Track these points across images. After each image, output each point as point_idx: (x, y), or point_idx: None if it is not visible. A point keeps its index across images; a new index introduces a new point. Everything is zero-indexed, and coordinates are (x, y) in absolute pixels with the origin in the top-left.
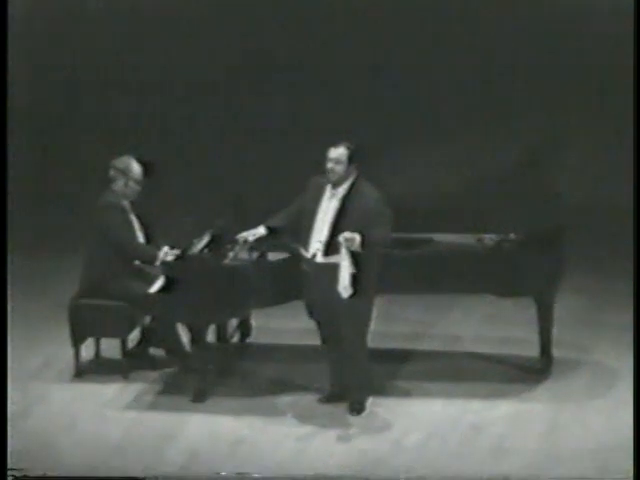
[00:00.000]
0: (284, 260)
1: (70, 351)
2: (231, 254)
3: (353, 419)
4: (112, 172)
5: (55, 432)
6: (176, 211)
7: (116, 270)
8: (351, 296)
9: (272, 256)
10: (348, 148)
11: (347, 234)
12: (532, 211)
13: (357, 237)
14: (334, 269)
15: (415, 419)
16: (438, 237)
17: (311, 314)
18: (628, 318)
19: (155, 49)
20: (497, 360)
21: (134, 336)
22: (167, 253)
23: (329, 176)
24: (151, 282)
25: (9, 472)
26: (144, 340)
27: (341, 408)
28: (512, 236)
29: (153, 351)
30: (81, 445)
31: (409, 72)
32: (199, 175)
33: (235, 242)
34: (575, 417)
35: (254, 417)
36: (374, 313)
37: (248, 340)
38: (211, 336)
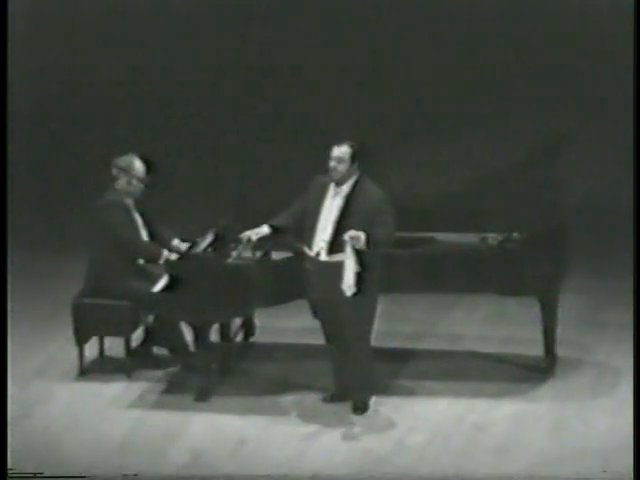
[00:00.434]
0: (287, 259)
1: (74, 350)
2: (234, 253)
3: (357, 418)
4: (115, 171)
5: (59, 431)
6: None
7: (120, 269)
8: (355, 295)
9: (275, 255)
10: (351, 147)
11: (352, 232)
12: (535, 210)
13: (362, 236)
14: (338, 267)
15: (418, 418)
16: (441, 236)
17: (315, 314)
18: (629, 317)
19: (155, 49)
20: (500, 359)
21: (138, 335)
22: (172, 250)
23: (332, 175)
24: (155, 281)
25: (9, 472)
26: (148, 339)
27: (345, 407)
28: (515, 235)
29: (157, 350)
30: (85, 444)
31: (409, 72)
32: (202, 174)
33: (238, 241)
34: (579, 416)
35: (258, 416)
36: (377, 312)
37: (252, 339)
38: (214, 335)
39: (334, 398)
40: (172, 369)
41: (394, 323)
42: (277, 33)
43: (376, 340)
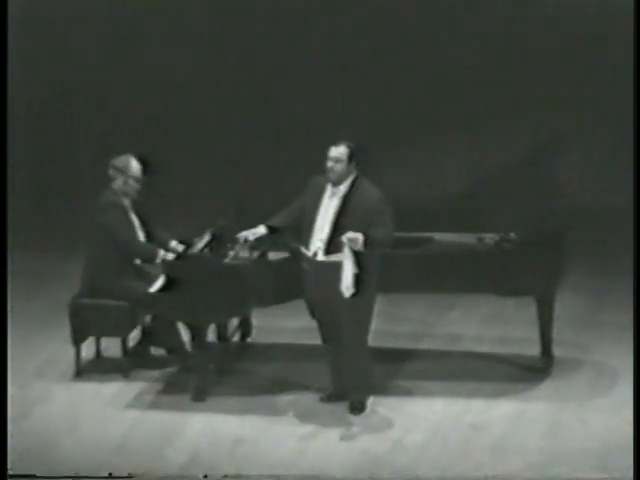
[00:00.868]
0: (284, 259)
1: (71, 350)
2: (231, 253)
3: (354, 418)
4: (111, 171)
5: (56, 432)
6: (177, 210)
7: (117, 269)
8: (353, 296)
9: (272, 255)
10: (348, 147)
11: (350, 234)
12: (532, 211)
13: (360, 237)
14: (335, 267)
15: (416, 418)
16: (439, 237)
17: (313, 314)
18: (628, 317)
19: (155, 49)
20: (498, 359)
21: (135, 335)
22: (168, 250)
23: (329, 175)
24: (152, 281)
25: (9, 472)
26: (145, 339)
27: (342, 407)
28: (512, 235)
29: (154, 350)
30: (82, 445)
31: (406, 73)
32: (199, 175)
33: (235, 241)
34: (576, 416)
35: (255, 416)
36: (375, 312)
37: (249, 339)
38: (212, 335)
39: (331, 398)
40: (169, 369)
41: (392, 323)
42: (276, 33)
43: (374, 340)
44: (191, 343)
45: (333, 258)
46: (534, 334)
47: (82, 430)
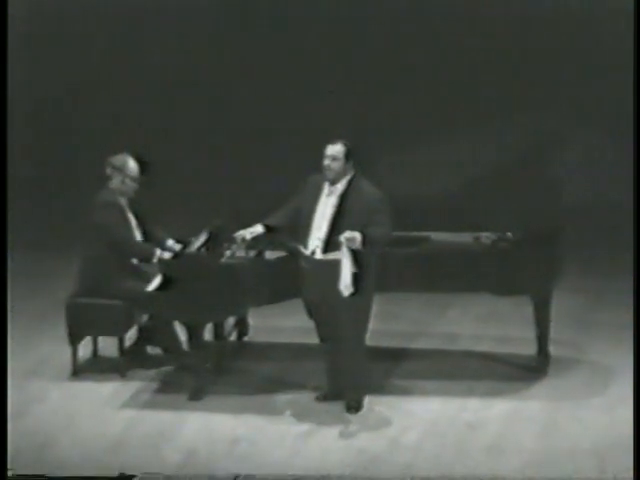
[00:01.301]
0: (281, 258)
1: (67, 350)
2: (228, 252)
3: (350, 417)
4: (109, 170)
5: (52, 431)
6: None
7: (113, 268)
8: (351, 295)
9: (269, 254)
10: (345, 145)
11: (348, 233)
12: (529, 210)
13: (358, 236)
14: (333, 266)
15: (412, 417)
16: (435, 236)
17: (310, 314)
18: (624, 317)
19: (154, 49)
20: (494, 358)
21: (131, 335)
22: (165, 249)
23: (327, 173)
24: (148, 280)
25: (9, 472)
26: (141, 338)
27: (339, 406)
28: (509, 235)
29: (150, 349)
30: (78, 444)
31: (403, 73)
32: (196, 174)
33: (232, 240)
34: (572, 415)
35: (251, 415)
36: (372, 311)
37: (245, 338)
38: (208, 334)
39: (328, 397)
40: (166, 368)
41: (388, 322)
42: (274, 33)
43: (371, 339)
44: (188, 342)
45: (331, 256)
46: (530, 333)
47: (79, 429)
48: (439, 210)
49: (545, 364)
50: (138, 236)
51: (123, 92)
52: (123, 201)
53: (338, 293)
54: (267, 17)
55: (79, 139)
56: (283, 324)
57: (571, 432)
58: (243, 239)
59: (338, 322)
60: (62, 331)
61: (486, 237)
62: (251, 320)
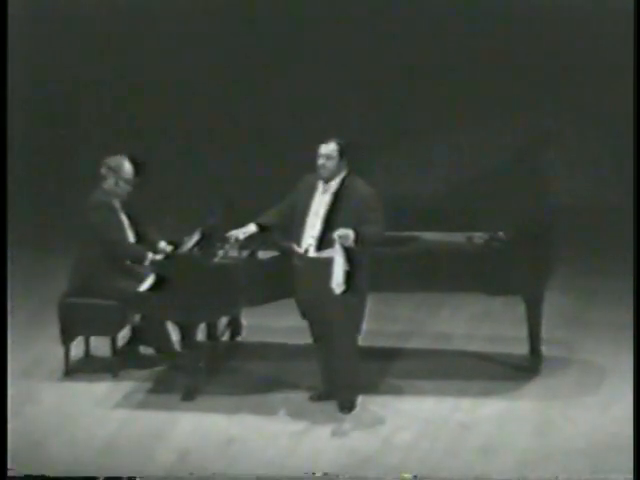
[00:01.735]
0: (274, 258)
1: (60, 350)
2: (221, 252)
3: (344, 417)
4: (104, 170)
5: (45, 431)
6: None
7: (106, 268)
8: (344, 293)
9: (262, 254)
10: (339, 144)
11: (341, 231)
12: (521, 210)
13: (351, 233)
14: (327, 264)
15: (405, 417)
16: (427, 236)
17: (304, 314)
18: (616, 316)
19: (153, 49)
20: (486, 358)
21: (124, 334)
22: (157, 251)
23: (321, 172)
24: (141, 280)
25: (9, 472)
26: (134, 338)
27: (332, 406)
28: (501, 235)
29: (143, 350)
30: (70, 444)
31: (398, 72)
32: (189, 174)
33: (225, 240)
34: (564, 415)
35: (245, 415)
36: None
37: (238, 338)
38: (201, 335)
39: (321, 397)
40: (158, 368)
41: (381, 322)
42: (270, 33)
43: (364, 339)
44: (180, 342)
45: (324, 254)
46: (523, 333)
47: (71, 430)
48: (431, 210)
49: (537, 363)
50: (131, 237)
51: (122, 92)
52: (116, 202)
53: (331, 291)
54: (266, 16)
55: (79, 140)
56: (276, 324)
57: (564, 431)
58: (236, 239)
59: (331, 321)
60: (54, 331)
61: (479, 237)
62: (244, 320)
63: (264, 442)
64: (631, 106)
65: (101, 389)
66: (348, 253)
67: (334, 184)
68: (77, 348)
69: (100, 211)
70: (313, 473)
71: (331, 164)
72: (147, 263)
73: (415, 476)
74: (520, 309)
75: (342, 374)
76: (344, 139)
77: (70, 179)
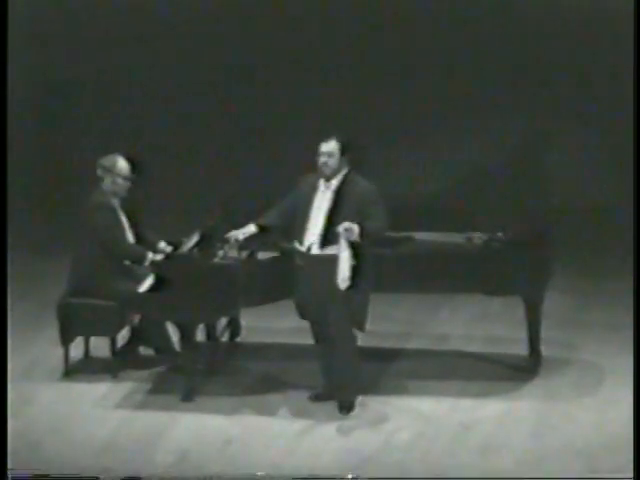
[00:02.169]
0: (273, 259)
1: (59, 350)
2: (220, 253)
3: (343, 418)
4: (99, 171)
5: (44, 431)
6: (166, 210)
7: (105, 269)
8: (348, 289)
9: (261, 255)
10: (339, 141)
11: (346, 224)
12: (521, 210)
13: (355, 227)
14: (330, 261)
15: (405, 417)
16: (426, 236)
17: (302, 315)
18: (615, 317)
19: (153, 48)
20: (486, 359)
21: (123, 335)
22: (157, 252)
23: (323, 170)
24: (140, 281)
25: (9, 472)
26: (133, 339)
27: (331, 406)
28: (500, 235)
29: (142, 350)
30: (70, 444)
31: (397, 72)
32: (189, 174)
33: (225, 241)
34: (563, 415)
35: (244, 416)
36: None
37: (237, 339)
38: (200, 335)
39: (320, 397)
40: (158, 369)
41: (380, 323)
42: (273, 32)
43: (362, 340)
44: (180, 343)
45: (328, 251)
46: (522, 334)
47: (70, 430)
48: (431, 210)
49: (536, 364)
50: (130, 238)
51: (122, 92)
52: (115, 202)
53: (335, 288)
54: (265, 16)
55: (79, 140)
56: (275, 325)
57: (562, 432)
58: (236, 240)
59: (333, 320)
60: (53, 332)
61: (478, 237)
62: (243, 321)
63: (263, 442)
64: (631, 106)
65: (101, 390)
66: (353, 248)
67: (335, 182)
68: (76, 349)
69: (99, 212)
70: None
71: (332, 162)
72: (147, 263)
73: (355, 477)
74: (519, 310)
75: (342, 374)
76: (343, 137)
77: (70, 179)
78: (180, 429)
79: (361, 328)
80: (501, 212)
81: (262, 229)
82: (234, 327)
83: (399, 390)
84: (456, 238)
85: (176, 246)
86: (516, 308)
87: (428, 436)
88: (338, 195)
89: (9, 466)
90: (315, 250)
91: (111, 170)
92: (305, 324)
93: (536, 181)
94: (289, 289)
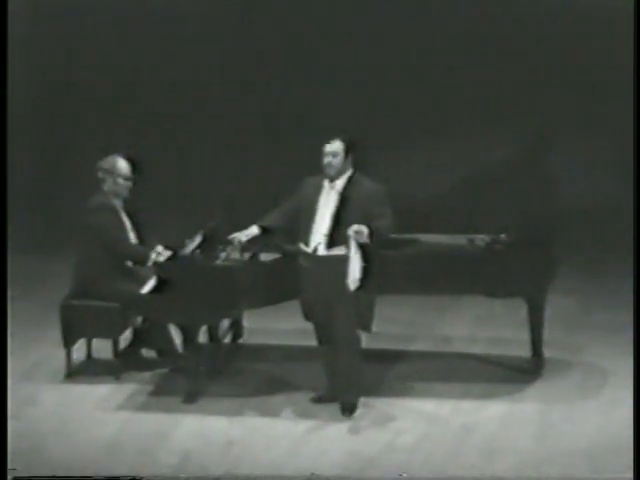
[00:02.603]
0: (276, 260)
1: (61, 352)
2: (223, 255)
3: (345, 419)
4: (100, 173)
5: (47, 433)
6: (168, 211)
7: (108, 271)
8: (357, 290)
9: (264, 257)
10: (344, 141)
11: (356, 226)
12: (523, 212)
13: (365, 229)
14: (336, 262)
15: (407, 419)
16: (429, 238)
17: (307, 316)
18: (618, 319)
19: (153, 48)
20: (488, 360)
21: (126, 337)
22: (159, 253)
23: (328, 170)
24: (143, 283)
25: (9, 472)
26: (136, 341)
27: (334, 408)
28: (503, 237)
29: (145, 352)
30: (73, 446)
31: (398, 73)
32: (191, 176)
33: (228, 243)
34: (566, 417)
35: (246, 418)
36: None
37: (240, 341)
38: (203, 337)
39: (323, 399)
40: (160, 371)
41: (383, 324)
42: (274, 32)
43: (365, 341)
44: (182, 345)
45: (334, 252)
46: (525, 335)
47: (73, 432)
48: (433, 212)
49: (539, 366)
50: (133, 238)
51: (122, 92)
52: (118, 204)
53: (342, 289)
54: (267, 15)
55: (79, 140)
56: (278, 326)
57: (565, 434)
58: (239, 241)
59: (339, 321)
60: (56, 334)
61: (480, 239)
62: (246, 322)
63: (266, 444)
64: (631, 107)
65: (103, 391)
66: (362, 249)
67: (340, 182)
68: (79, 350)
69: (101, 213)
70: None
71: (337, 161)
72: (150, 264)
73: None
74: (522, 311)
75: (345, 375)
76: (348, 137)
77: (70, 180)
78: (183, 431)
79: (367, 329)
80: (504, 214)
81: (265, 231)
82: (237, 329)
83: (402, 392)
84: (459, 240)
85: (174, 249)
86: (519, 310)
87: (431, 438)
88: (344, 196)
89: (10, 467)
90: (321, 251)
91: (111, 171)
92: (307, 325)
93: (538, 183)
94: (292, 291)
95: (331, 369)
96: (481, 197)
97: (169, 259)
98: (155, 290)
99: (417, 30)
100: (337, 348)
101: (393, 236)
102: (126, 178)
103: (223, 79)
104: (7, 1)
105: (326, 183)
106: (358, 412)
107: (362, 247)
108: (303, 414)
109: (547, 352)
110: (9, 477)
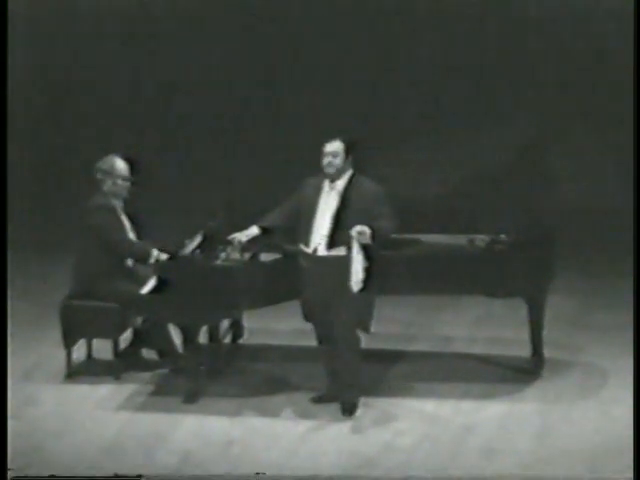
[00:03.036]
0: (276, 261)
1: (62, 352)
2: (223, 255)
3: (346, 419)
4: (98, 174)
5: (47, 433)
6: (168, 211)
7: (108, 271)
8: (360, 291)
9: (264, 257)
10: (344, 141)
11: (359, 227)
12: (523, 212)
13: (367, 230)
14: (337, 262)
15: (407, 419)
16: (429, 238)
17: (306, 317)
18: (618, 319)
19: (153, 48)
20: (488, 361)
21: (126, 337)
22: (159, 254)
23: (328, 170)
24: (143, 283)
25: (9, 472)
26: (136, 341)
27: (334, 408)
28: (503, 237)
29: (145, 352)
30: (73, 446)
31: (398, 73)
32: (191, 176)
33: (228, 243)
34: (566, 417)
35: (246, 418)
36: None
37: (240, 341)
38: (203, 337)
39: (323, 399)
40: (161, 371)
41: (382, 325)
42: (275, 32)
43: (365, 341)
44: (182, 345)
45: (334, 253)
46: (524, 335)
47: (73, 432)
48: (433, 212)
49: (539, 366)
50: (132, 238)
51: (123, 92)
52: (117, 204)
53: (342, 290)
54: (267, 15)
55: (79, 140)
56: (278, 326)
57: (565, 434)
58: (239, 241)
59: (339, 321)
60: (56, 334)
61: (480, 239)
62: (246, 322)
63: (266, 444)
64: (631, 107)
65: (103, 392)
66: (365, 250)
67: (341, 183)
68: (79, 351)
69: (100, 213)
70: None
71: (337, 161)
72: (152, 261)
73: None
74: (522, 311)
75: (345, 375)
76: (348, 137)
77: (70, 180)
78: (183, 431)
79: (366, 329)
80: (504, 214)
81: (265, 231)
82: (237, 329)
83: (402, 392)
84: (459, 240)
85: (170, 252)
86: (519, 310)
87: (430, 438)
88: (344, 196)
89: (10, 467)
90: (322, 251)
91: (110, 172)
92: (307, 326)
93: (538, 183)
94: (292, 291)
95: (331, 369)
96: (481, 197)
97: (169, 259)
98: (155, 290)
99: (417, 30)
100: (337, 348)
101: (393, 236)
102: (125, 178)
103: (223, 79)
104: (7, 1)
105: (326, 183)
106: (358, 412)
107: (364, 248)
108: (303, 414)
109: (547, 352)
110: (9, 477)
